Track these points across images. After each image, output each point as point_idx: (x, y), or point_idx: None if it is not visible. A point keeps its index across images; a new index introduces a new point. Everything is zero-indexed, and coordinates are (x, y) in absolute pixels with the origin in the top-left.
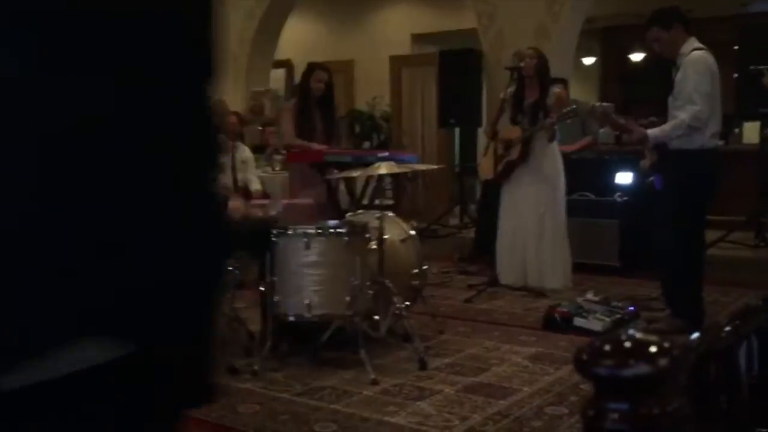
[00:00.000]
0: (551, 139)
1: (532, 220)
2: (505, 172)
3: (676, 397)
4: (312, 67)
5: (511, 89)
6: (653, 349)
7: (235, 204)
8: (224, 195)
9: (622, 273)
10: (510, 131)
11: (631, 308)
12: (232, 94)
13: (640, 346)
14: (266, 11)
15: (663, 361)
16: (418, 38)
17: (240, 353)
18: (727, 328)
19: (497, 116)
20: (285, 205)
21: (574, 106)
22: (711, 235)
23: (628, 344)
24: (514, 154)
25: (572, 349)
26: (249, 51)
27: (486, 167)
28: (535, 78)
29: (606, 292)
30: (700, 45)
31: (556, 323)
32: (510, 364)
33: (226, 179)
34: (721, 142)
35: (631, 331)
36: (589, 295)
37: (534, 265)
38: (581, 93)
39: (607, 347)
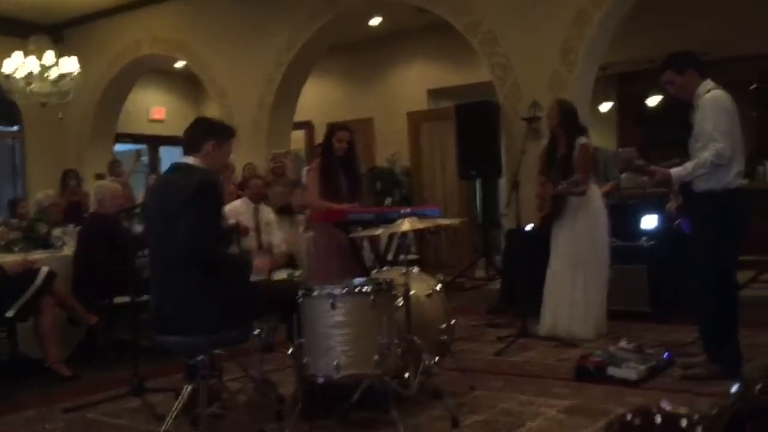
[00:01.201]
0: (580, 194)
1: (564, 271)
2: (543, 225)
3: None
4: (334, 128)
5: (545, 143)
6: (683, 423)
7: (261, 262)
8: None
9: (653, 318)
10: (545, 186)
11: (666, 355)
12: (254, 157)
13: (670, 420)
14: (285, 75)
15: None
16: (434, 93)
17: (270, 417)
18: (761, 386)
19: (542, 168)
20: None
21: (573, 177)
22: (742, 276)
23: (658, 419)
24: (547, 209)
25: (608, 400)
26: (269, 115)
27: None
28: (560, 129)
29: (639, 339)
30: (716, 85)
31: (589, 373)
32: (545, 418)
33: (250, 242)
34: (745, 181)
35: (662, 403)
36: (622, 343)
37: (564, 315)
38: (600, 139)
39: (637, 421)
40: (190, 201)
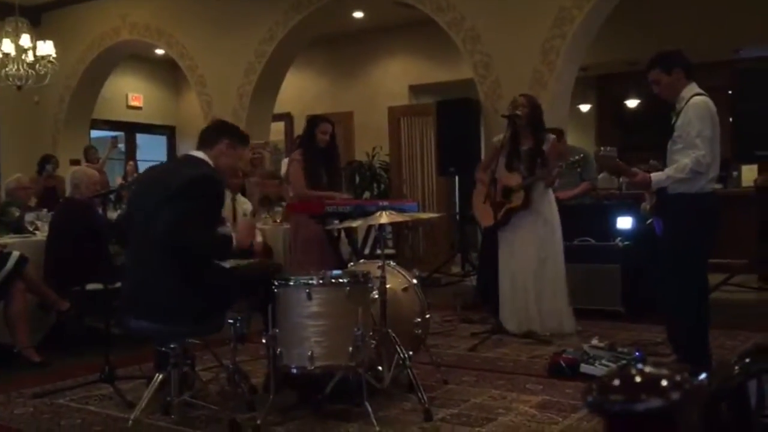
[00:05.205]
0: (550, 185)
1: (533, 264)
2: (505, 218)
3: None
4: (317, 120)
5: (505, 135)
6: (665, 382)
7: (244, 227)
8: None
9: (626, 318)
10: (508, 178)
11: (637, 353)
12: None
13: (652, 379)
14: (266, 66)
15: (675, 395)
16: (415, 89)
17: (242, 407)
18: (737, 368)
19: (490, 162)
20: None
21: (582, 155)
22: (714, 278)
23: (638, 378)
24: (516, 201)
25: (579, 397)
26: (249, 105)
27: (484, 215)
28: (528, 126)
29: (611, 338)
30: (701, 90)
31: (562, 370)
32: (517, 413)
33: (227, 231)
34: (718, 186)
35: (641, 366)
36: (594, 341)
37: (535, 310)
38: (578, 140)
39: (617, 382)
40: (182, 191)
